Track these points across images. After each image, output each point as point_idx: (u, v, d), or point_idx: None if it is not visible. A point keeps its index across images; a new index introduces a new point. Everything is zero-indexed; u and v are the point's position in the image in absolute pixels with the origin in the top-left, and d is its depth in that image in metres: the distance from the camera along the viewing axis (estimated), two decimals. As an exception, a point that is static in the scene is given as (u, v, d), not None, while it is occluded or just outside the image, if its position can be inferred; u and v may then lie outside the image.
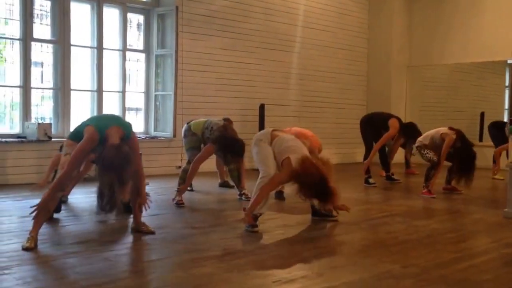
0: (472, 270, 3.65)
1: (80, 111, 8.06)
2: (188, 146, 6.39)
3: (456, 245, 4.45)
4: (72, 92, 7.98)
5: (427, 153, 6.99)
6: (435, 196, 6.75)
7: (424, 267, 3.68)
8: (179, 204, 5.82)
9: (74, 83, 7.99)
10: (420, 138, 7.22)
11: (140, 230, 4.47)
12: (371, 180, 7.86)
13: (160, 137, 8.78)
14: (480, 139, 12.05)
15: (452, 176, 7.13)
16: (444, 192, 7.16)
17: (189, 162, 6.14)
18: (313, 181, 4.38)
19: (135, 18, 8.85)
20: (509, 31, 5.53)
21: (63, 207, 5.27)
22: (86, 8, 8.16)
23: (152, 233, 4.44)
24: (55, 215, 4.95)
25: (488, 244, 4.45)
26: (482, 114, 12.29)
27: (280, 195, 6.36)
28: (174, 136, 8.65)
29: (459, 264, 3.81)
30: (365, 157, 8.13)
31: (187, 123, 6.59)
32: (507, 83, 12.09)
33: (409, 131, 8.02)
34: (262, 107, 9.58)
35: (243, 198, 6.25)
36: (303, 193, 4.47)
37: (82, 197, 6.19)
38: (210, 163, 7.63)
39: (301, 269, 3.62)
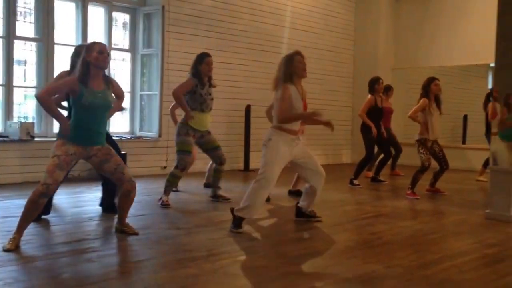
0: (454, 270, 3.70)
1: (63, 110, 7.98)
2: (178, 148, 5.91)
3: (438, 246, 4.50)
4: (56, 91, 7.91)
5: (423, 154, 6.86)
6: (419, 197, 6.81)
7: (408, 268, 3.71)
8: (165, 205, 5.79)
9: (58, 82, 7.93)
10: (421, 132, 6.92)
11: (124, 231, 4.45)
12: (355, 181, 7.90)
13: (146, 137, 8.74)
14: (463, 142, 12.20)
15: (437, 179, 7.19)
16: (428, 194, 7.21)
17: (176, 167, 5.87)
18: None
19: (121, 17, 8.81)
20: (492, 35, 5.62)
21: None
22: (71, 6, 8.10)
23: (136, 234, 4.43)
24: (43, 216, 4.89)
25: (470, 244, 4.50)
26: (465, 117, 12.44)
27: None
28: (160, 136, 8.63)
29: (442, 264, 3.85)
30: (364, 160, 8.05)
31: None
32: (489, 86, 12.24)
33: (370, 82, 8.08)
34: (248, 108, 9.59)
35: (221, 200, 6.18)
36: None
37: (66, 198, 6.15)
38: (196, 163, 7.60)
39: (285, 270, 3.62)
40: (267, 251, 4.16)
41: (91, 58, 4.05)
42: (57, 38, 7.88)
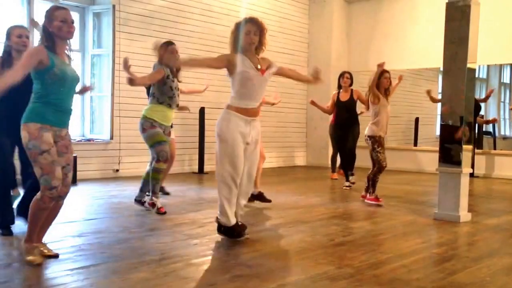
0: (403, 270, 3.76)
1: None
2: (151, 142, 5.50)
3: (388, 246, 4.57)
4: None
5: (380, 152, 6.46)
6: (382, 203, 6.55)
7: (358, 268, 3.76)
8: (160, 213, 5.45)
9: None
10: (374, 128, 6.54)
11: (39, 251, 3.72)
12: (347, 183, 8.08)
13: (97, 139, 8.56)
14: (415, 144, 12.49)
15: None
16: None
17: (158, 160, 5.45)
18: None
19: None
20: (441, 39, 5.78)
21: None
22: (17, 3, 7.87)
23: (56, 256, 3.81)
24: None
25: (419, 244, 4.60)
26: (417, 120, 12.75)
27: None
28: (111, 138, 8.47)
29: (391, 264, 3.91)
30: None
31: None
32: (439, 90, 12.58)
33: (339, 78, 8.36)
34: (202, 110, 9.54)
35: (146, 206, 5.64)
36: None
37: None
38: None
39: (238, 271, 3.61)
40: (219, 254, 4.14)
41: (53, 28, 3.55)
42: (2, 37, 7.61)
